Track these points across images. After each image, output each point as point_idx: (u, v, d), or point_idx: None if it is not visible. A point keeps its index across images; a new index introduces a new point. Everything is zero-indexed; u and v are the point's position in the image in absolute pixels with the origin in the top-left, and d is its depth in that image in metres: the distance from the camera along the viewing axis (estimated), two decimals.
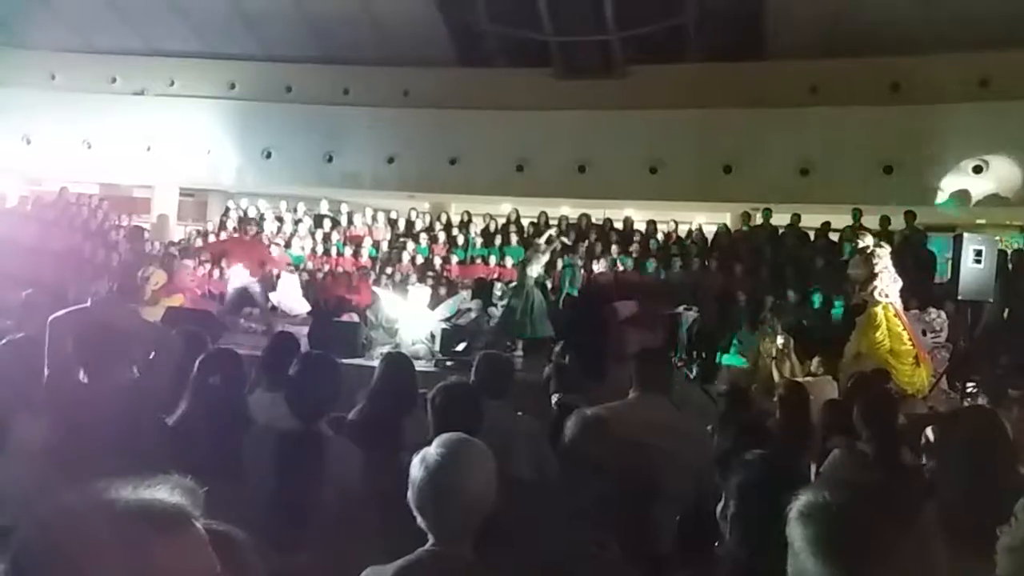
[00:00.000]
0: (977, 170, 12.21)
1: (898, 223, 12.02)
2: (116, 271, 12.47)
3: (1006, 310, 9.94)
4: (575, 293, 11.23)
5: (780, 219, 12.87)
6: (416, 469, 1.99)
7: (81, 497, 0.91)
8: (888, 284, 7.88)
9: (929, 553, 1.26)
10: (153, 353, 3.04)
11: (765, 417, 4.10)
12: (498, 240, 13.73)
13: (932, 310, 8.88)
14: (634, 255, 12.70)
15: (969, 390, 8.38)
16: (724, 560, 1.99)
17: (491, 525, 2.02)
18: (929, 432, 3.50)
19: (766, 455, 2.05)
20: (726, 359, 9.83)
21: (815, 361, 8.99)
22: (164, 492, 0.95)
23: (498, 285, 11.99)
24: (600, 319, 9.74)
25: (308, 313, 11.84)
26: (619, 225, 14.05)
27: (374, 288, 11.56)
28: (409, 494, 1.98)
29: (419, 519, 1.97)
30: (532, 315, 9.67)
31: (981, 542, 1.80)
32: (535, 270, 10.08)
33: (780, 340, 9.03)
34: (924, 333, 8.49)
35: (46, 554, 0.86)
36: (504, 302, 11.40)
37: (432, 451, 2.02)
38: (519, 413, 3.85)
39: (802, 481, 1.74)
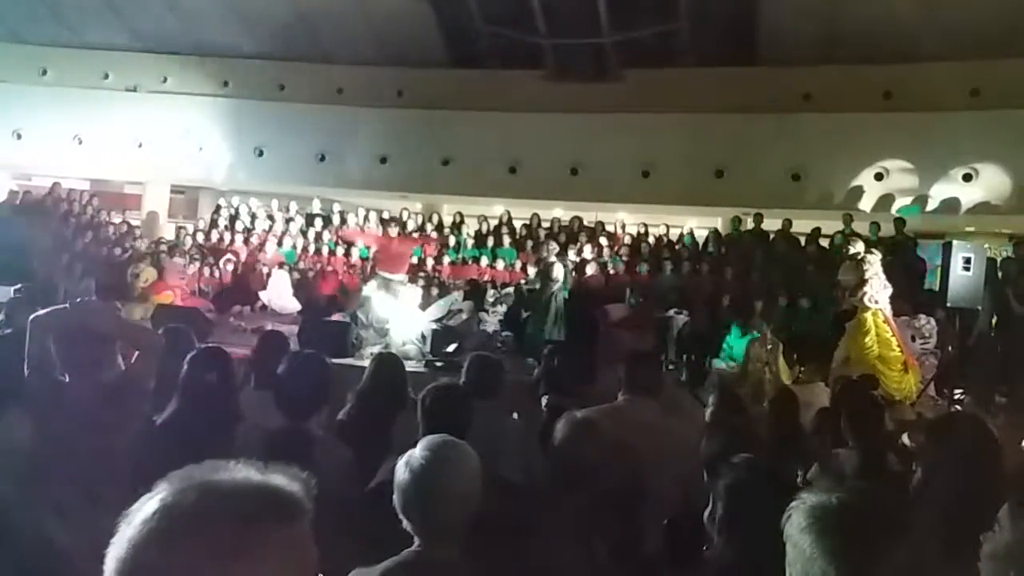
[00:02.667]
0: (967, 178, 12.29)
1: (888, 230, 12.08)
2: (104, 268, 12.45)
3: (994, 318, 10.01)
4: (567, 295, 11.22)
5: (771, 224, 12.93)
6: (401, 471, 2.00)
7: (209, 474, 0.93)
8: (878, 290, 7.91)
9: (928, 557, 1.24)
10: (136, 353, 3.03)
11: (755, 421, 4.11)
12: (490, 241, 13.74)
13: (922, 316, 8.93)
14: (625, 258, 12.73)
15: (957, 397, 8.44)
16: (712, 562, 2.00)
17: (479, 527, 2.02)
18: (906, 438, 3.52)
19: (752, 458, 2.06)
20: (716, 363, 9.86)
21: (804, 366, 9.02)
22: (283, 480, 0.97)
23: (491, 292, 12.01)
24: (591, 322, 9.76)
25: (298, 312, 11.83)
26: (611, 228, 14.09)
27: (364, 288, 11.53)
28: (394, 496, 1.98)
29: (404, 521, 1.97)
30: (557, 319, 9.63)
31: (966, 550, 1.81)
32: (558, 275, 10.03)
33: (769, 345, 9.06)
34: (913, 339, 8.53)
35: (175, 526, 0.88)
36: (496, 307, 11.41)
37: (416, 453, 2.02)
38: (515, 415, 3.86)
39: (789, 485, 1.73)
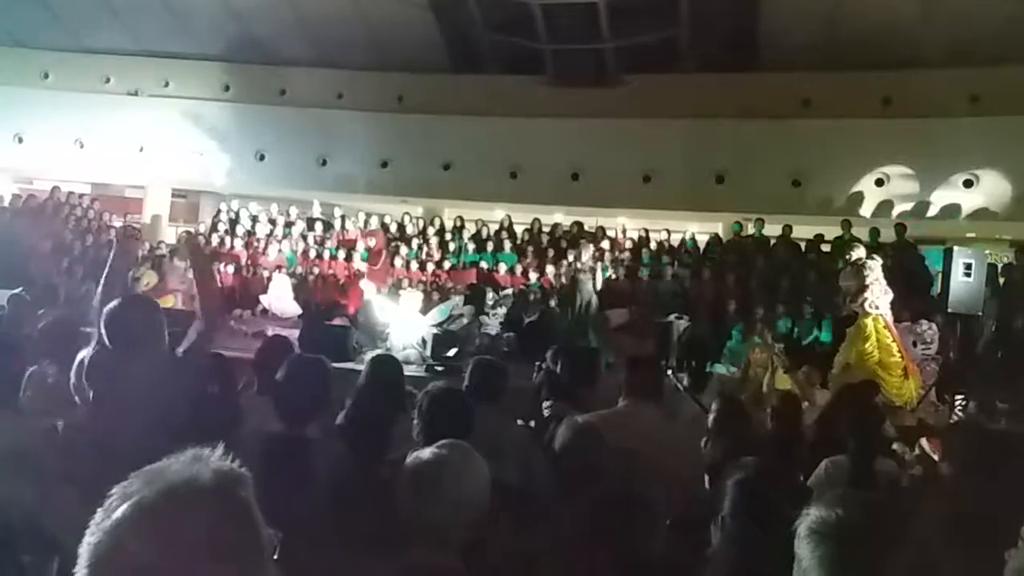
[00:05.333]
0: (968, 184, 12.30)
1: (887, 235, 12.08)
2: (106, 271, 12.43)
3: (995, 323, 10.01)
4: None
5: (772, 230, 12.94)
6: (410, 471, 1.99)
7: (165, 466, 1.00)
8: (879, 296, 7.90)
9: (937, 572, 1.24)
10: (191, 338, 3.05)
11: (758, 427, 4.10)
12: (490, 246, 13.74)
13: (923, 322, 8.92)
14: (626, 263, 12.73)
15: (957, 403, 8.42)
16: (716, 565, 1.99)
17: (480, 531, 2.02)
18: (924, 443, 3.51)
19: (760, 462, 2.04)
20: (716, 368, 9.85)
21: (805, 372, 8.99)
22: (224, 462, 1.04)
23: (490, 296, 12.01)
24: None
25: (299, 316, 11.83)
26: (612, 233, 14.10)
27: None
28: (401, 496, 1.97)
29: (408, 523, 1.97)
30: (589, 325, 9.66)
31: (989, 566, 1.78)
32: (591, 281, 10.06)
33: (770, 350, 9.04)
34: (914, 345, 8.52)
35: (145, 523, 0.93)
36: (497, 310, 11.42)
37: (427, 454, 2.01)
38: (519, 421, 3.84)
39: (795, 489, 1.73)
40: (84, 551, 0.94)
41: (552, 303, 11.41)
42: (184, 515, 0.95)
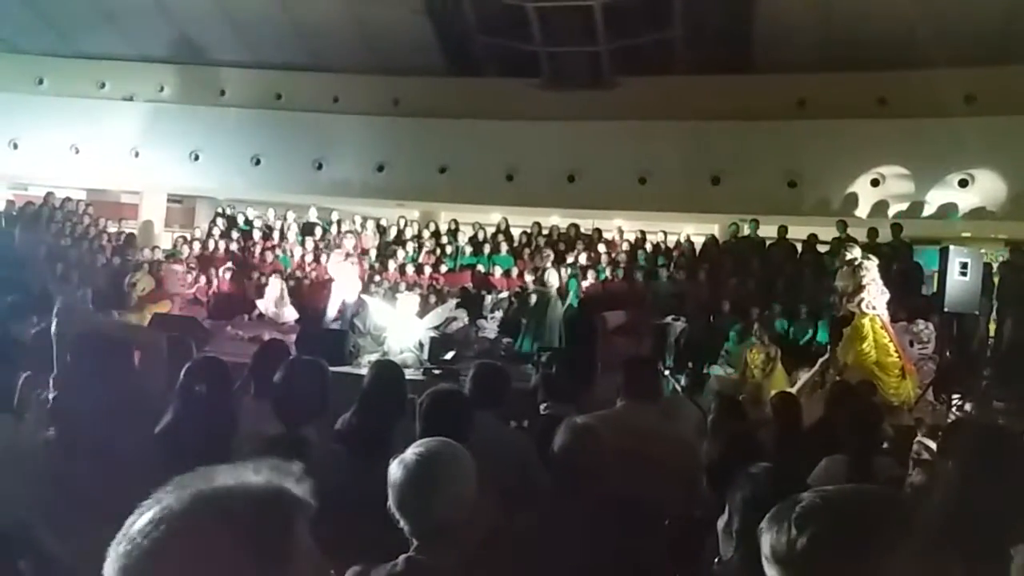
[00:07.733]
0: (963, 184, 12.32)
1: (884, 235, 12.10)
2: (101, 277, 12.41)
3: (991, 322, 10.03)
4: (576, 303, 11.28)
5: (768, 231, 12.94)
6: (395, 471, 2.00)
7: (206, 480, 0.96)
8: (875, 296, 7.92)
9: (935, 566, 1.23)
10: (139, 355, 3.02)
11: (757, 428, 4.09)
12: (487, 249, 13.73)
13: (920, 321, 8.94)
14: (622, 265, 12.73)
15: (954, 402, 8.43)
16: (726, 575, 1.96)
17: (479, 534, 2.01)
18: (928, 442, 3.51)
19: (772, 468, 2.01)
20: (714, 369, 9.86)
21: (802, 372, 9.02)
22: (278, 478, 1.01)
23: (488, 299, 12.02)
24: (590, 328, 9.78)
25: (295, 321, 11.81)
26: (608, 235, 14.10)
27: (362, 296, 11.51)
28: (389, 497, 1.98)
29: (399, 522, 1.97)
30: (551, 325, 9.75)
31: (996, 563, 1.77)
32: (552, 281, 10.18)
33: (767, 351, 9.08)
34: (911, 344, 8.53)
35: (172, 535, 0.89)
36: (494, 313, 11.43)
37: (410, 452, 2.04)
38: (513, 424, 3.83)
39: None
40: (123, 532, 0.92)
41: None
42: (220, 516, 0.92)
